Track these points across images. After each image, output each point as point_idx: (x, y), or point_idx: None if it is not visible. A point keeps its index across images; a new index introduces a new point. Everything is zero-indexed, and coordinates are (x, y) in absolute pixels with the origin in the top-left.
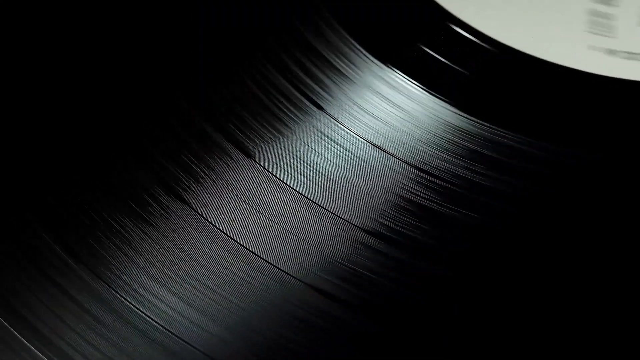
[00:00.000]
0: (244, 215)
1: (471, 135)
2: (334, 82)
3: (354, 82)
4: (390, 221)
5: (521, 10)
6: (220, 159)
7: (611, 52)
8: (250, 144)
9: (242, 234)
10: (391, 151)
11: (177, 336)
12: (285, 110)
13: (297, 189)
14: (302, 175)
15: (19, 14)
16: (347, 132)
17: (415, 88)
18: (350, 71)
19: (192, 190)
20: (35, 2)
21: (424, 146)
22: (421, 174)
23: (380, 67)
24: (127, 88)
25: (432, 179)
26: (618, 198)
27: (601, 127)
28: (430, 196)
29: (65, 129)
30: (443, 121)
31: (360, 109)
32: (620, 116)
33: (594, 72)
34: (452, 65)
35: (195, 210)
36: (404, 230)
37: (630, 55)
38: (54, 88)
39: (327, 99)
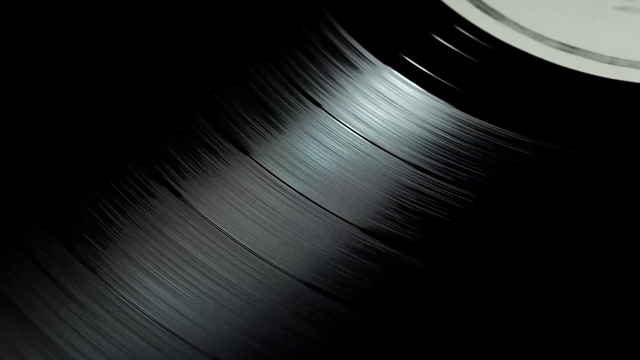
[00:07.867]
0: (240, 212)
1: (470, 135)
2: (333, 79)
3: (353, 80)
4: (388, 220)
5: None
6: (217, 155)
7: (612, 59)
8: (247, 141)
9: (237, 230)
10: (389, 149)
11: (172, 333)
12: (283, 107)
13: (294, 187)
14: (300, 173)
15: (20, 14)
16: (345, 130)
17: (414, 87)
18: (349, 69)
19: (188, 185)
20: (35, 2)
21: (423, 145)
22: (420, 173)
23: (379, 66)
24: (124, 83)
25: (431, 178)
26: (618, 198)
27: (600, 127)
28: (429, 195)
29: (60, 123)
30: (442, 120)
31: (359, 107)
32: (619, 116)
33: (593, 73)
34: (451, 65)
35: (190, 205)
36: (402, 229)
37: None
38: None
39: (325, 97)
